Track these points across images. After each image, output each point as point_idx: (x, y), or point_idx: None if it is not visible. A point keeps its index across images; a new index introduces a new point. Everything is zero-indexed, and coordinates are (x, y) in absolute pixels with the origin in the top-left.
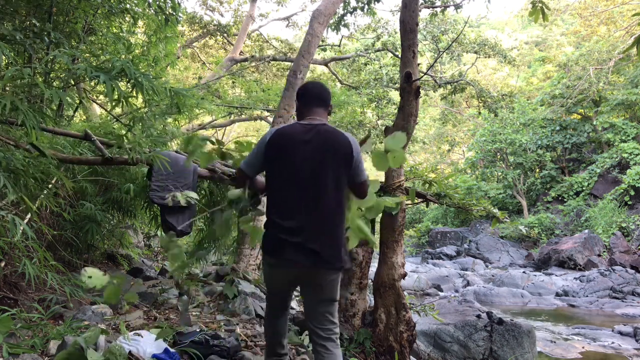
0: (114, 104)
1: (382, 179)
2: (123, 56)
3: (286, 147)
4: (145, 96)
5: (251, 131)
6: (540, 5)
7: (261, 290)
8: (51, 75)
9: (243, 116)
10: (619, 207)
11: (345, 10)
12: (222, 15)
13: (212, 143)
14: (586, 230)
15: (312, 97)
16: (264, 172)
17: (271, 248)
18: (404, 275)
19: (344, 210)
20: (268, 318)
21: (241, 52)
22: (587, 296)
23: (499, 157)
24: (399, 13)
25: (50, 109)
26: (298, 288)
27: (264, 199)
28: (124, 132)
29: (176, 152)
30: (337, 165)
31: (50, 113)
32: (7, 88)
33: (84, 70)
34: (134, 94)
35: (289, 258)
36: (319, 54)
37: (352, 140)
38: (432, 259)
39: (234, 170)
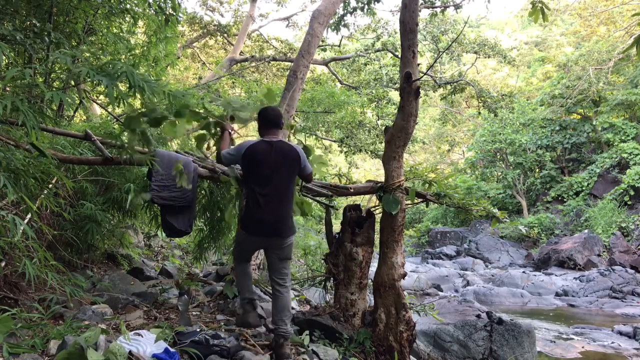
0: (114, 104)
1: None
2: (124, 57)
3: (256, 159)
4: (145, 99)
5: (251, 131)
6: (540, 5)
7: (261, 290)
8: (52, 75)
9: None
10: (619, 207)
11: (345, 11)
12: (222, 15)
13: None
14: (586, 230)
15: (270, 121)
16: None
17: (247, 225)
18: (404, 275)
19: (293, 198)
20: (237, 267)
21: (241, 52)
22: (586, 296)
23: (498, 157)
24: (399, 13)
25: (50, 109)
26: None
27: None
28: (124, 132)
29: (176, 152)
30: (289, 169)
31: (50, 113)
32: (8, 88)
33: (87, 73)
34: (134, 95)
35: (260, 231)
36: (319, 54)
37: (299, 150)
38: (432, 258)
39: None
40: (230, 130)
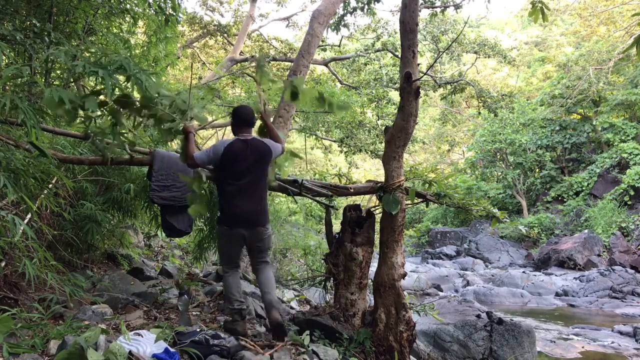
0: (112, 98)
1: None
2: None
3: (234, 157)
4: (144, 92)
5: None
6: (540, 5)
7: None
8: (51, 75)
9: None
10: (619, 207)
11: (345, 11)
12: (222, 15)
13: None
14: (586, 230)
15: (244, 120)
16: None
17: (226, 220)
18: (404, 275)
19: (266, 190)
20: (226, 274)
21: (241, 52)
22: (586, 296)
23: (498, 157)
24: (399, 13)
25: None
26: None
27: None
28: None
29: (176, 151)
30: (263, 162)
31: (50, 112)
32: (7, 87)
33: (82, 67)
34: (132, 90)
35: (240, 222)
36: (319, 54)
37: (269, 143)
38: (432, 258)
39: None
40: (193, 132)
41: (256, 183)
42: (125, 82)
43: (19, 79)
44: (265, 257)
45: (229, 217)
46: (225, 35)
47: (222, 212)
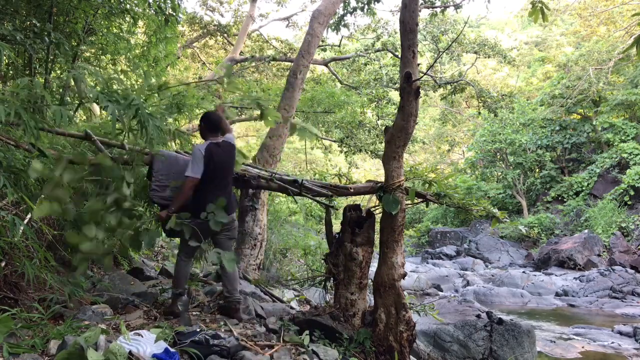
0: (114, 133)
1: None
2: (123, 57)
3: (212, 159)
4: (147, 136)
5: (251, 131)
6: (539, 5)
7: (261, 290)
8: (51, 75)
9: (243, 116)
10: (619, 207)
11: (345, 11)
12: (222, 15)
13: None
14: (586, 230)
15: (213, 125)
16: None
17: (200, 212)
18: (404, 275)
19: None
20: (181, 261)
21: (241, 52)
22: (586, 296)
23: (498, 157)
24: (399, 13)
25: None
26: None
27: None
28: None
29: (176, 152)
30: (232, 161)
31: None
32: (7, 88)
33: (96, 97)
34: (140, 132)
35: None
36: (319, 54)
37: (233, 141)
38: (432, 258)
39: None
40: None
41: (227, 179)
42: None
43: (28, 91)
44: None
45: (202, 208)
46: (225, 35)
47: (196, 206)
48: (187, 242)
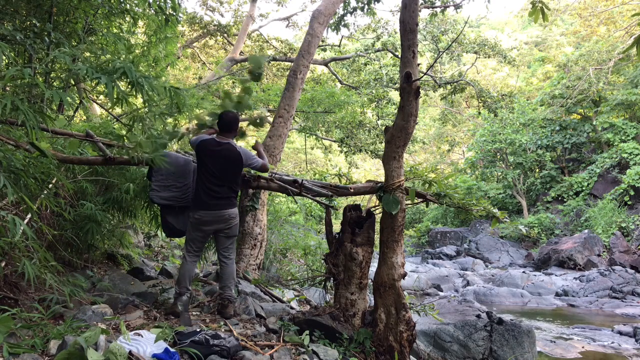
0: (114, 103)
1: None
2: (123, 56)
3: (205, 152)
4: (145, 96)
5: (251, 131)
6: (540, 5)
7: (261, 290)
8: (51, 75)
9: (243, 116)
10: (619, 207)
11: (345, 11)
12: (222, 15)
13: None
14: (586, 230)
15: (224, 125)
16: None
17: (199, 206)
18: (404, 275)
19: (235, 188)
20: (185, 259)
21: (241, 52)
22: (586, 296)
23: (498, 157)
24: (399, 13)
25: (50, 109)
26: None
27: None
28: (124, 132)
29: (176, 152)
30: (232, 167)
31: (50, 113)
32: (8, 88)
33: (85, 71)
34: (134, 94)
35: (208, 209)
36: (319, 54)
37: (241, 151)
38: (432, 258)
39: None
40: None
41: (223, 179)
42: (128, 87)
43: (20, 80)
44: (230, 252)
45: (199, 203)
46: (225, 35)
47: (195, 199)
48: (190, 241)
